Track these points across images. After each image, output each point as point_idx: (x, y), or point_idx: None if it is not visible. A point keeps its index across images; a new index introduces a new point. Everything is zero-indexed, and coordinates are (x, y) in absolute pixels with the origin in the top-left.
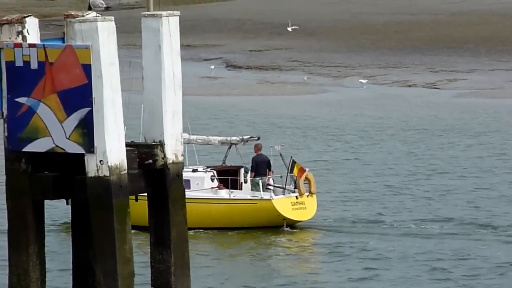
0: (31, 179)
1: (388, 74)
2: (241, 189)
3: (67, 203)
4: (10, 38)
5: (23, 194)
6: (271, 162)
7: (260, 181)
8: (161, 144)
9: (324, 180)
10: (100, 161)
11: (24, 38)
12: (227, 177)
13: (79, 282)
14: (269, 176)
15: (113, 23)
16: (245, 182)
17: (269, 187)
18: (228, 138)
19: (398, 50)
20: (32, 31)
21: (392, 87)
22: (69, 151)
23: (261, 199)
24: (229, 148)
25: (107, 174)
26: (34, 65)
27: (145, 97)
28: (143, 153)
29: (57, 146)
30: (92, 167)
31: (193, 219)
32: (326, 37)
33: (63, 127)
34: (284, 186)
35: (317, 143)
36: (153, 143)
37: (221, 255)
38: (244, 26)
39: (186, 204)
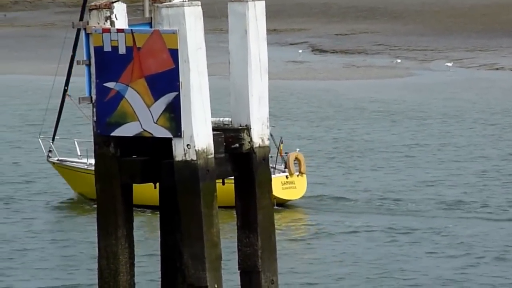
0: (119, 163)
1: (475, 58)
2: None
3: (155, 187)
4: (98, 23)
5: (112, 178)
6: None
7: None
8: (248, 128)
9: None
10: (187, 145)
11: (112, 23)
12: None
13: (167, 265)
14: None
15: (199, 8)
16: None
17: None
18: (221, 119)
19: (485, 33)
20: (120, 16)
21: (479, 70)
22: (157, 135)
23: None
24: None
25: (194, 158)
26: (122, 50)
27: (232, 82)
28: (230, 137)
29: (145, 130)
30: (179, 151)
31: None
32: (412, 20)
33: (150, 112)
34: (274, 166)
35: (402, 127)
36: (240, 127)
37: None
38: (330, 10)
39: None
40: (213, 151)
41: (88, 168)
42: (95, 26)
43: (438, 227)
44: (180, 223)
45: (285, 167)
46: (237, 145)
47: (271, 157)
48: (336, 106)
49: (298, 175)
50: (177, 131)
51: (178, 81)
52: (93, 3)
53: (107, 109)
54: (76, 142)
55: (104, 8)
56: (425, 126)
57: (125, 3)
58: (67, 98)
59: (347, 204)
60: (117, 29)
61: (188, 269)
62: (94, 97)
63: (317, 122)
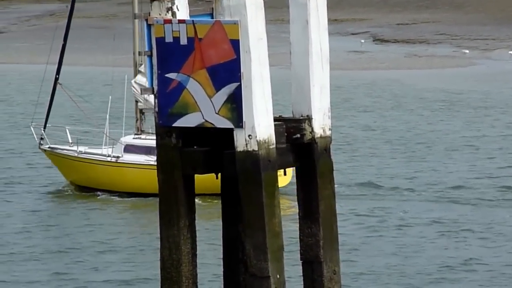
0: (181, 153)
1: None
2: None
3: (217, 178)
4: (160, 14)
5: (174, 169)
6: None
7: None
8: (309, 119)
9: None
10: (249, 135)
11: (173, 14)
12: None
13: (229, 255)
14: None
15: None
16: None
17: None
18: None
19: None
20: (182, 7)
21: None
22: (218, 126)
23: None
24: None
25: (256, 148)
26: (183, 41)
27: (293, 72)
28: (291, 128)
29: (206, 121)
30: (241, 141)
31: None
32: (474, 9)
33: (212, 102)
34: None
35: (464, 117)
36: (301, 118)
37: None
38: None
39: (153, 171)
40: (274, 142)
41: (78, 155)
42: (156, 17)
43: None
44: (242, 213)
45: None
46: (298, 135)
47: None
48: (397, 96)
49: None
50: (238, 122)
51: (240, 71)
52: None
53: (168, 100)
54: (67, 130)
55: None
56: (487, 116)
57: None
58: (58, 87)
59: (410, 194)
60: (179, 20)
61: (250, 260)
62: (156, 88)
63: (379, 112)
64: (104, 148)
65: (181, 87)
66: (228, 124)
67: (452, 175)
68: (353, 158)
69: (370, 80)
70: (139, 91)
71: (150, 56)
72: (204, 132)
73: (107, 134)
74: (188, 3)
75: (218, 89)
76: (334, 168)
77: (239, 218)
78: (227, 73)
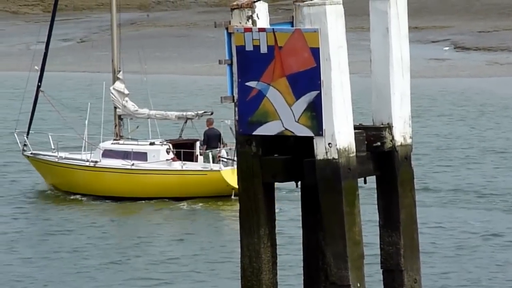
0: (261, 162)
1: None
2: (197, 161)
3: (296, 186)
4: (240, 22)
5: (254, 177)
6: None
7: (210, 153)
8: (389, 127)
9: None
10: (329, 143)
11: (254, 22)
12: (185, 149)
13: (309, 264)
14: (220, 149)
15: (341, 6)
16: (201, 154)
17: (223, 159)
18: (184, 113)
19: None
20: (262, 15)
21: None
22: (298, 134)
23: (211, 170)
24: (185, 122)
25: (336, 156)
26: (263, 49)
27: (373, 80)
28: (371, 136)
29: (286, 129)
30: (321, 149)
31: (149, 189)
32: None
33: (292, 111)
34: (233, 158)
35: None
36: (381, 126)
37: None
38: (473, 7)
39: (143, 175)
40: (354, 150)
41: (59, 161)
42: (237, 26)
43: None
44: (322, 221)
45: None
46: (378, 143)
47: (230, 149)
48: (479, 104)
49: None
50: (318, 130)
51: (320, 79)
52: (235, 3)
53: (249, 108)
54: (50, 136)
55: (246, 8)
56: None
57: (267, 2)
58: (40, 94)
59: (495, 202)
60: (259, 28)
61: (331, 268)
62: (236, 96)
63: (460, 120)
64: (84, 153)
65: (261, 95)
66: (308, 132)
67: None
68: (435, 166)
69: (451, 88)
70: (117, 97)
71: (230, 65)
72: (283, 140)
73: (86, 140)
74: (268, 12)
75: (298, 97)
76: (415, 176)
77: (319, 226)
78: (307, 81)
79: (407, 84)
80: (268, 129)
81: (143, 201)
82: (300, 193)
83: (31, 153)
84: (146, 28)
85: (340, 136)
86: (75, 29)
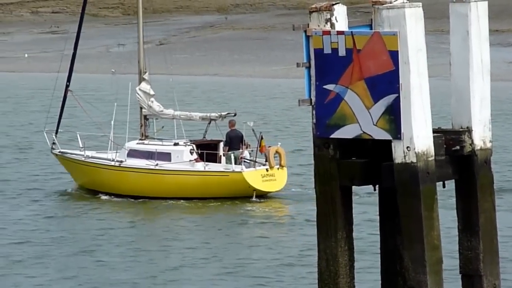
0: (339, 165)
1: None
2: (221, 162)
3: (374, 190)
4: (318, 25)
5: (331, 180)
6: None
7: (232, 154)
8: (469, 130)
9: None
10: (407, 147)
11: (332, 25)
12: (209, 150)
13: (387, 268)
14: (242, 150)
15: (420, 9)
16: (224, 155)
17: (246, 160)
18: (208, 114)
19: None
20: (340, 18)
21: None
22: (376, 137)
23: (233, 171)
24: (209, 123)
25: (414, 160)
26: (342, 52)
27: (453, 83)
28: (450, 139)
29: (364, 132)
30: (399, 153)
31: (172, 190)
32: None
33: (370, 114)
34: (254, 159)
35: None
36: (461, 129)
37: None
38: None
39: (166, 175)
40: (433, 154)
41: (85, 160)
42: (315, 29)
43: None
44: (400, 225)
45: (266, 161)
46: (458, 147)
47: (252, 151)
48: None
49: (278, 168)
50: (396, 133)
51: (398, 83)
52: (313, 6)
53: (326, 111)
54: (78, 135)
55: (325, 11)
56: None
57: (345, 5)
58: (68, 94)
59: None
60: (337, 31)
61: (409, 272)
62: (313, 99)
63: None
64: (110, 153)
65: (339, 98)
66: (386, 136)
67: None
68: None
69: None
70: (143, 97)
71: (308, 68)
72: (361, 144)
73: (112, 140)
74: (347, 14)
75: (376, 100)
76: (494, 181)
77: (397, 230)
78: (386, 84)
79: (487, 87)
80: (345, 132)
81: (166, 201)
82: (378, 197)
83: (59, 152)
84: (224, 31)
85: (418, 139)
86: (154, 31)
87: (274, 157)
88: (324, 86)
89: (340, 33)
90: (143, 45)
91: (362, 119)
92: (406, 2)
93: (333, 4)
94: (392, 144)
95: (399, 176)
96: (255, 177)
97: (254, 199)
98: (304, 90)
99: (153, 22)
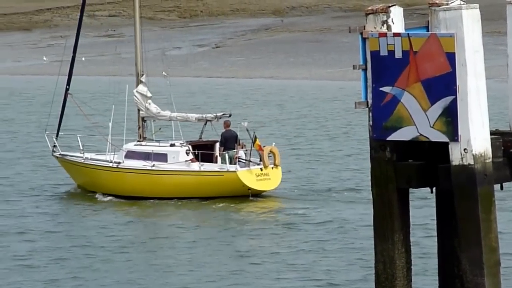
0: (395, 167)
1: None
2: (217, 162)
3: (431, 192)
4: (375, 27)
5: (388, 182)
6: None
7: (227, 154)
8: None
9: None
10: (464, 149)
11: (388, 27)
12: (205, 151)
13: (445, 270)
14: (237, 150)
15: (477, 10)
16: (220, 155)
17: (241, 160)
18: (204, 115)
19: None
20: (397, 20)
21: None
22: (433, 139)
23: (227, 171)
24: (205, 124)
25: (472, 162)
26: (398, 54)
27: (510, 85)
28: (508, 141)
29: (421, 134)
30: (456, 155)
31: (168, 190)
32: None
33: (427, 116)
34: (248, 159)
35: None
36: None
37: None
38: None
39: (162, 175)
40: (490, 156)
41: (84, 161)
42: (371, 31)
43: None
44: (458, 228)
45: (260, 160)
46: None
47: (246, 151)
48: None
49: (272, 168)
50: (453, 135)
51: (455, 84)
52: (369, 8)
53: (383, 114)
54: (79, 138)
55: (381, 13)
56: None
57: (402, 6)
58: (68, 97)
59: None
60: (394, 33)
61: (466, 275)
62: (370, 101)
63: None
64: (109, 154)
65: (395, 100)
66: (443, 138)
67: None
68: None
69: None
70: (140, 100)
71: (365, 70)
72: (418, 146)
73: (110, 141)
74: (403, 16)
75: (433, 102)
76: None
77: (455, 232)
78: (443, 86)
79: None
80: (402, 135)
81: (163, 201)
82: (435, 199)
83: (60, 154)
84: (280, 34)
85: (476, 141)
86: (210, 34)
87: (269, 156)
88: (381, 88)
89: (396, 35)
90: (140, 48)
91: (419, 121)
92: (463, 4)
93: (389, 6)
94: (449, 146)
95: (456, 178)
96: (250, 176)
97: (250, 198)
98: (361, 93)
99: (209, 25)
